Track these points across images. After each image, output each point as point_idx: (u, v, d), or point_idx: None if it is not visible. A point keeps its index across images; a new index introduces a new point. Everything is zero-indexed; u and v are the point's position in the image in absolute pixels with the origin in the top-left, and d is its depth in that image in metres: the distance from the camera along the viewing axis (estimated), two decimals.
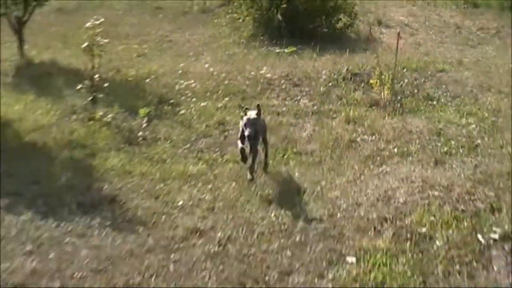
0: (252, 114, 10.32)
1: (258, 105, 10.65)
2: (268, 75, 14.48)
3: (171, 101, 13.19)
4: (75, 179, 10.20)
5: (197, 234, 8.69)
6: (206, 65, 15.21)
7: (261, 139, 10.70)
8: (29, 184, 9.97)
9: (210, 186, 9.98)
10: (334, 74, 14.53)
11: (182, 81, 14.08)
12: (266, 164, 10.82)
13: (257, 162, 10.33)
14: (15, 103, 12.81)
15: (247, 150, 10.36)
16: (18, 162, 10.64)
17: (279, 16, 18.11)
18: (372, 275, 7.74)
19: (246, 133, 10.03)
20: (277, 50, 16.94)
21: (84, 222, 8.98)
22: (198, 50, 17.19)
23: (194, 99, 13.25)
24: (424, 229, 8.68)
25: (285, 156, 11.00)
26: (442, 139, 11.51)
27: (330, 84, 14.09)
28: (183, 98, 13.34)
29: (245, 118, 10.23)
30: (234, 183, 9.95)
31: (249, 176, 10.21)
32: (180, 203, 9.51)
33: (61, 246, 8.44)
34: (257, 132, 10.26)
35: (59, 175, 10.31)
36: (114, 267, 7.94)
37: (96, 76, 12.77)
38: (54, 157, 11.02)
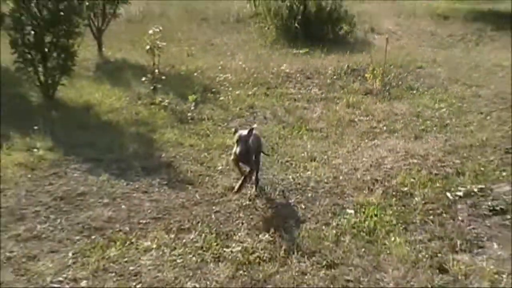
0: (244, 131, 8.12)
1: (251, 129, 8.23)
2: (287, 70, 14.45)
3: (213, 89, 13.18)
4: (140, 149, 10.23)
5: (233, 191, 8.70)
6: (240, 62, 15.17)
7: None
8: (105, 152, 10.00)
9: None
10: (338, 70, 14.49)
11: (221, 75, 14.06)
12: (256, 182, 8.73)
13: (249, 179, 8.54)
14: (95, 91, 12.85)
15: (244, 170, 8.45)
16: (97, 136, 10.68)
17: (296, 25, 18.05)
18: (366, 223, 7.73)
19: (237, 150, 7.97)
20: (294, 51, 16.88)
21: (147, 182, 9.01)
22: (233, 51, 17.14)
23: (230, 88, 13.23)
24: (406, 188, 8.67)
25: (300, 132, 10.94)
26: (420, 119, 11.46)
27: (334, 77, 14.05)
28: (222, 87, 13.33)
29: (236, 134, 8.10)
30: (261, 153, 9.93)
31: (236, 188, 8.30)
32: (220, 167, 9.50)
33: (130, 199, 8.49)
34: (249, 150, 8.15)
35: (128, 145, 10.33)
36: (170, 216, 7.97)
37: (156, 71, 12.78)
38: (124, 132, 11.04)
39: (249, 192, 8.62)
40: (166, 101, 12.19)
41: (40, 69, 12.12)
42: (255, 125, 9.06)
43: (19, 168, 9.41)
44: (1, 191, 8.72)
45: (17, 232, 7.65)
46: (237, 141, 8.00)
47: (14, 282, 6.73)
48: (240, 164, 8.38)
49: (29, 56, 12.00)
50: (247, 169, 8.44)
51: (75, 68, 12.62)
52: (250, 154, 8.24)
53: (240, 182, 8.31)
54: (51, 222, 7.91)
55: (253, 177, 8.64)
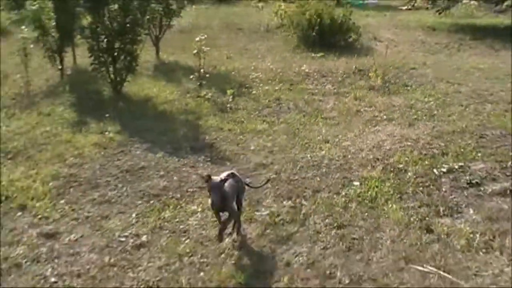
0: (217, 178, 6.33)
1: (231, 173, 6.61)
2: (306, 70, 14.36)
3: (247, 85, 13.14)
4: (188, 132, 10.28)
5: (262, 167, 8.71)
6: (268, 64, 15.12)
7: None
8: (161, 135, 10.06)
9: (270, 137, 9.94)
10: (347, 70, 14.36)
11: (253, 73, 14.02)
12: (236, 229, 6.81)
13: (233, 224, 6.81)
14: (153, 87, 12.90)
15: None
16: (155, 122, 10.74)
17: (313, 34, 17.93)
18: (369, 193, 7.72)
19: (211, 200, 6.17)
20: (312, 55, 16.76)
21: (194, 158, 9.06)
22: (263, 54, 17.07)
23: (261, 84, 13.18)
24: (401, 165, 8.60)
25: (316, 120, 10.87)
26: (413, 110, 11.33)
27: (344, 76, 13.94)
28: (254, 83, 13.29)
29: (209, 182, 6.25)
30: (285, 136, 9.92)
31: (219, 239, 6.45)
32: (252, 148, 9.50)
33: (180, 173, 8.54)
34: (224, 197, 6.28)
35: (179, 130, 10.38)
36: None
37: (202, 70, 12.78)
38: (176, 119, 11.08)
39: (274, 167, 8.64)
40: (209, 94, 12.18)
41: (111, 69, 12.22)
42: (234, 169, 7.52)
43: (94, 147, 9.53)
44: (81, 165, 8.85)
45: (93, 197, 7.81)
46: (209, 190, 6.26)
47: (91, 236, 6.85)
48: (219, 212, 6.55)
49: (102, 59, 12.11)
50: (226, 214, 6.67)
51: (138, 68, 12.68)
52: (226, 201, 6.37)
53: (219, 229, 6.49)
54: (119, 189, 8.03)
55: (232, 222, 6.73)
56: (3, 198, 7.76)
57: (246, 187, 7.14)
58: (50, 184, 8.20)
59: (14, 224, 7.19)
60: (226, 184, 6.34)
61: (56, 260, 6.47)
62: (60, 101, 11.94)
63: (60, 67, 13.54)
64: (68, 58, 14.22)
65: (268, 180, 7.90)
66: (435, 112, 11.23)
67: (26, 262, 6.43)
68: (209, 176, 6.31)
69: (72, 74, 14.05)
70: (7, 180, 8.26)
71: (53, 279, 6.14)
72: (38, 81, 13.28)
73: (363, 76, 13.88)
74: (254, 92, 12.70)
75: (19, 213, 7.43)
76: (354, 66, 14.58)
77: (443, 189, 7.92)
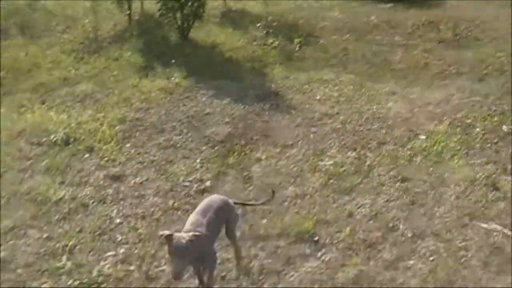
0: (182, 238, 4.54)
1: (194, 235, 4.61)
2: (375, 21, 14.03)
3: (314, 34, 12.94)
4: (254, 80, 10.27)
5: (328, 117, 8.67)
6: (336, 13, 14.85)
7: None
8: (227, 82, 10.09)
9: (336, 87, 9.84)
10: (417, 22, 14.01)
11: (321, 23, 13.79)
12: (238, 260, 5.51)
13: None
14: (220, 34, 12.85)
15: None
16: (221, 69, 10.77)
17: None
18: (435, 147, 7.65)
19: (172, 270, 4.62)
20: (381, 6, 16.39)
21: (259, 106, 9.07)
22: (331, 3, 16.72)
23: (328, 34, 12.97)
24: (469, 121, 8.45)
25: (383, 71, 10.72)
26: (483, 65, 11.01)
27: (414, 27, 13.58)
28: (321, 33, 13.09)
29: (172, 244, 4.52)
30: (351, 86, 9.81)
31: None
32: (318, 97, 9.44)
33: (245, 120, 8.59)
34: (187, 264, 4.69)
35: (245, 77, 10.38)
36: (276, 134, 8.09)
37: (269, 18, 12.69)
38: (242, 66, 11.07)
39: (339, 117, 8.58)
40: (276, 42, 12.08)
41: (178, 15, 12.22)
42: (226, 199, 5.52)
43: (160, 92, 9.63)
44: (147, 110, 8.98)
45: (159, 141, 7.95)
46: (170, 254, 4.63)
47: (156, 179, 6.99)
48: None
49: (169, 5, 12.11)
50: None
51: (205, 14, 12.66)
52: (187, 268, 4.87)
53: None
54: (184, 134, 8.15)
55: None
56: (71, 139, 7.97)
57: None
58: (117, 127, 8.36)
59: (82, 165, 7.41)
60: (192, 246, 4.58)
61: (121, 202, 6.65)
62: (128, 46, 12.05)
63: (128, 12, 13.61)
64: (136, 3, 14.28)
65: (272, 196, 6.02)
66: (507, 68, 10.89)
67: (92, 202, 6.65)
68: (170, 236, 4.61)
69: (139, 19, 14.12)
70: (75, 123, 8.48)
71: (118, 220, 6.33)
72: (106, 26, 13.40)
73: (433, 28, 13.50)
74: (321, 41, 12.52)
75: (87, 155, 7.65)
76: (424, 18, 14.22)
77: None
